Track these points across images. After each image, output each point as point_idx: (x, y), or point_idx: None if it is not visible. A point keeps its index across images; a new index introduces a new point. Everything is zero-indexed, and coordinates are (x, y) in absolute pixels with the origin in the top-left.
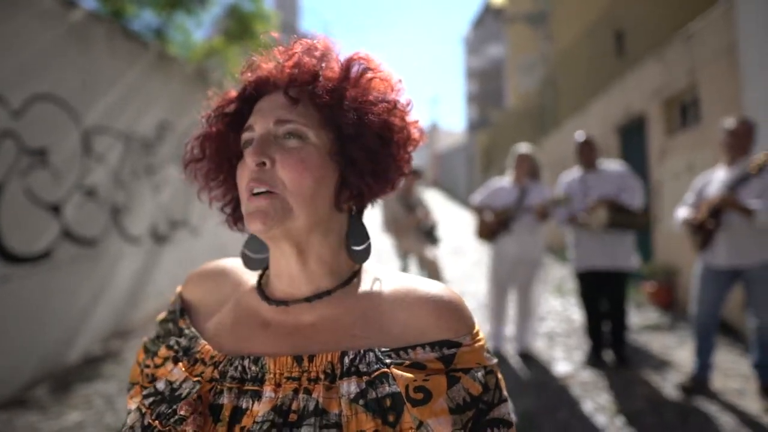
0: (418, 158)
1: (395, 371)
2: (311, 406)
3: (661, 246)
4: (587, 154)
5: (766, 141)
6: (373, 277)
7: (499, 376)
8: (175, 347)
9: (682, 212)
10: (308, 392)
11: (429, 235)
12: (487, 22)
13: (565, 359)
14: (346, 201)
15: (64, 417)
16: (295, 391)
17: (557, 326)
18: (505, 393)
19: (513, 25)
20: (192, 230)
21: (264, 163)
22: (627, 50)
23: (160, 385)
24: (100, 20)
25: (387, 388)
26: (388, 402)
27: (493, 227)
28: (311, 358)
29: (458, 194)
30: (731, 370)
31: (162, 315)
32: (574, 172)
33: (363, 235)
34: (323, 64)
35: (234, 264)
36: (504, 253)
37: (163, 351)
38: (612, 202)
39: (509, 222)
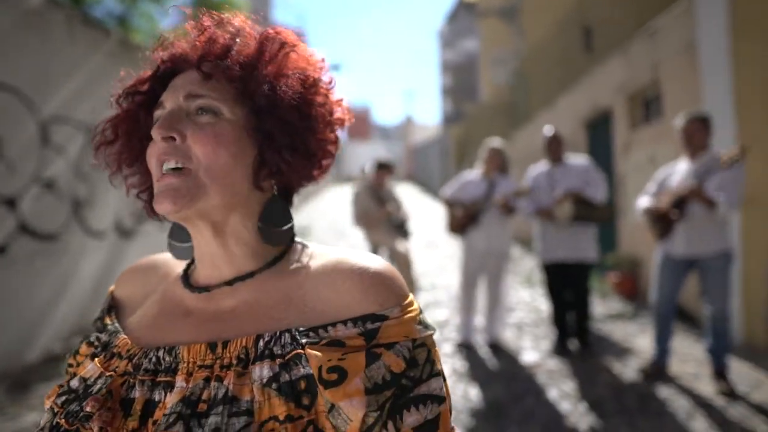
0: (393, 152)
1: (309, 351)
2: (221, 393)
3: (625, 237)
4: (554, 148)
5: (724, 134)
6: (301, 256)
7: (434, 349)
8: (95, 343)
9: (644, 201)
10: (220, 380)
11: (400, 228)
12: (461, 16)
13: (533, 348)
14: (266, 179)
15: (21, 418)
16: (207, 380)
17: (526, 316)
18: (438, 367)
19: (486, 20)
20: (160, 224)
21: (173, 138)
22: (595, 46)
23: (74, 383)
24: (58, 6)
25: (301, 369)
26: (302, 384)
27: (462, 221)
28: (225, 345)
29: (433, 188)
30: (688, 355)
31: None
32: (541, 166)
33: (281, 217)
34: (237, 39)
35: (166, 257)
36: (473, 246)
37: (83, 348)
38: (577, 196)
39: (478, 215)
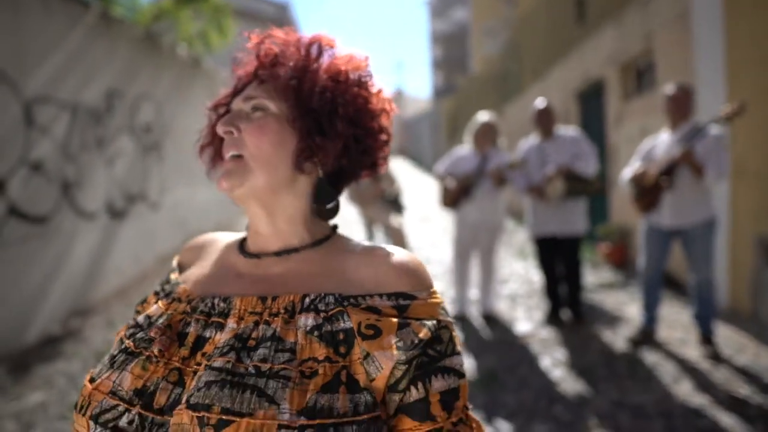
0: None
1: (350, 310)
2: (269, 334)
3: (616, 208)
4: (546, 121)
5: (715, 104)
6: (343, 244)
7: (455, 333)
8: (160, 293)
9: (629, 173)
10: (268, 323)
11: (394, 203)
12: None
13: (526, 319)
14: (304, 161)
15: (25, 398)
16: (256, 323)
17: (519, 288)
18: (458, 348)
19: None
20: (151, 205)
21: (231, 132)
22: (587, 15)
23: (140, 319)
24: None
25: (342, 324)
26: (341, 335)
27: (455, 195)
28: (274, 299)
29: (425, 162)
30: (675, 321)
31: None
32: (532, 139)
33: (327, 195)
34: (284, 48)
35: (223, 234)
36: (466, 220)
37: (151, 297)
38: (568, 172)
39: (470, 189)
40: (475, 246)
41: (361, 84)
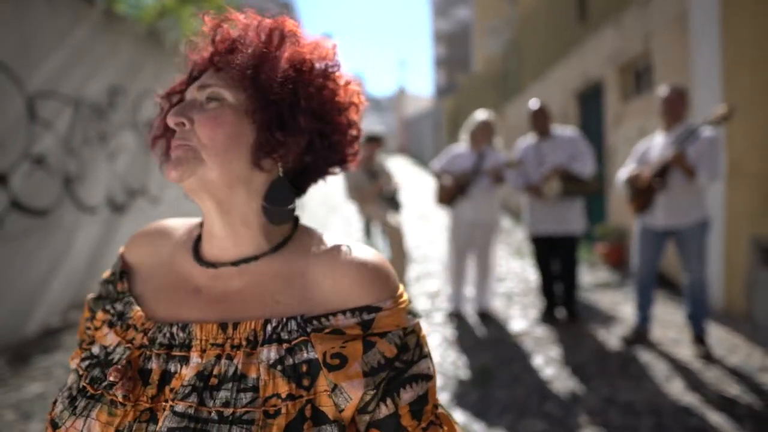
0: (386, 124)
1: (314, 339)
2: (231, 371)
3: (614, 208)
4: (541, 122)
5: (711, 105)
6: (305, 244)
7: (421, 334)
8: (111, 311)
9: (624, 174)
10: (230, 358)
11: (392, 201)
12: None
13: (521, 317)
14: (263, 158)
15: (23, 389)
16: (218, 357)
17: (515, 286)
18: (426, 349)
19: None
20: (152, 199)
21: (183, 124)
22: (588, 16)
23: (96, 350)
24: None
25: (305, 354)
26: (304, 368)
27: (451, 192)
28: (236, 326)
29: (426, 160)
30: (669, 321)
31: (107, 273)
32: (529, 139)
33: (283, 196)
34: (243, 33)
35: (176, 224)
36: (462, 218)
37: (100, 314)
38: (564, 172)
39: (466, 187)
40: (471, 244)
41: (327, 75)
